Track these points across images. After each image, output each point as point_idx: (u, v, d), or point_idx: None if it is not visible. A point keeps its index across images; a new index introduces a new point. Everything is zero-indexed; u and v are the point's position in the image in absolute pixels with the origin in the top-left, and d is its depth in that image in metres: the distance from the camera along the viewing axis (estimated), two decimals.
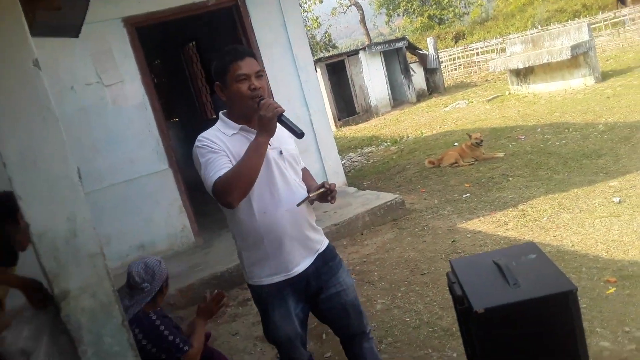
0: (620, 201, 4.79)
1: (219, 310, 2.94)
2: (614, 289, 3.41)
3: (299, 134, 2.05)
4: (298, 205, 2.15)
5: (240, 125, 2.21)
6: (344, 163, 10.04)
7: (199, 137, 2.18)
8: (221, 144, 2.14)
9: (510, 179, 6.34)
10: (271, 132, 2.05)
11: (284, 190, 2.21)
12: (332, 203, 2.22)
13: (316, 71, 16.51)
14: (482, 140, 7.57)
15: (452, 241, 4.84)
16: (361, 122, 16.11)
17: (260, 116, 2.03)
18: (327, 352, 3.46)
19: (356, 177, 8.59)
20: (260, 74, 2.18)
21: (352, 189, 6.89)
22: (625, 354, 2.75)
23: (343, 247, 5.37)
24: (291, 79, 6.67)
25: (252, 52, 2.24)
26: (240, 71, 2.13)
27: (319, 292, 2.35)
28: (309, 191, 2.25)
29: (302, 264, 2.29)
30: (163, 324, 2.64)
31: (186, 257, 5.82)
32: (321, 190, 2.15)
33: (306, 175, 2.43)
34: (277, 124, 2.05)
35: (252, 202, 2.17)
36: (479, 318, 1.83)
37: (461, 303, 1.96)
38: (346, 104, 16.99)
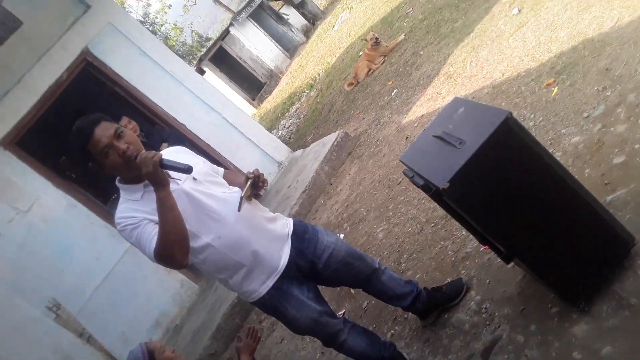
0: (519, 10, 4.84)
1: (258, 341, 2.93)
2: (556, 87, 3.48)
3: (185, 170, 1.95)
4: (239, 210, 2.10)
5: (142, 184, 2.11)
6: (281, 134, 9.97)
7: (116, 220, 2.08)
8: (137, 214, 2.05)
9: (421, 52, 6.36)
10: (163, 182, 1.96)
11: (221, 208, 2.15)
12: (265, 186, 2.19)
13: (204, 72, 16.30)
14: (377, 37, 7.54)
15: (406, 138, 4.87)
16: (274, 89, 15.95)
17: (144, 175, 1.94)
18: (362, 302, 3.49)
19: (298, 140, 8.54)
20: (120, 131, 2.04)
21: (299, 152, 6.85)
22: (597, 135, 2.81)
23: (322, 205, 5.38)
24: (181, 94, 6.51)
25: (97, 117, 2.06)
26: (99, 146, 2.00)
27: (313, 265, 2.33)
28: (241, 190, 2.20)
29: (283, 255, 2.27)
30: None
31: (200, 305, 5.77)
32: (248, 183, 2.11)
33: (231, 177, 2.38)
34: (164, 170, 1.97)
35: (202, 239, 2.12)
36: (450, 192, 1.84)
37: (428, 189, 1.96)
38: (250, 82, 16.80)
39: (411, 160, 2.15)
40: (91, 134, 2.00)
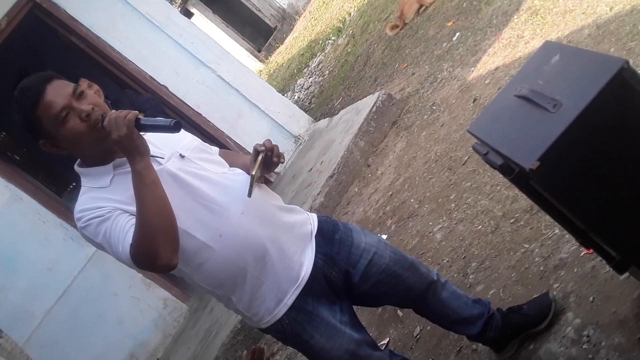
0: None
1: None
2: None
3: (171, 127, 1.95)
4: (249, 195, 2.09)
5: (110, 164, 2.12)
6: (297, 97, 9.97)
7: (76, 215, 2.08)
8: (105, 203, 2.05)
9: None
10: (141, 150, 1.96)
11: (220, 194, 2.14)
12: (282, 162, 2.17)
13: (191, 14, 16.37)
14: None
15: (474, 101, 4.83)
16: (287, 36, 15.94)
17: (115, 141, 1.95)
18: (414, 329, 3.48)
19: (322, 105, 8.54)
20: (80, 90, 2.05)
21: (323, 122, 6.85)
22: None
23: (356, 195, 5.38)
24: (161, 44, 6.57)
25: (47, 75, 2.08)
26: (54, 109, 2.00)
27: (347, 277, 2.32)
28: (248, 171, 2.19)
29: (305, 260, 2.26)
30: None
31: (191, 332, 5.84)
32: (259, 158, 2.09)
33: (230, 158, 2.38)
34: (142, 134, 1.97)
35: (195, 238, 2.12)
36: (540, 174, 1.80)
37: (509, 171, 1.93)
38: (254, 27, 16.81)
39: (484, 131, 2.11)
40: (42, 95, 2.00)
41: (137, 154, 1.96)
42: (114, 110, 2.00)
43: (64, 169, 10.48)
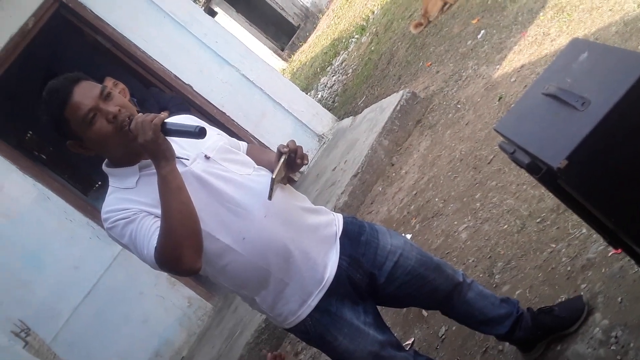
0: None
1: None
2: None
3: (197, 133, 1.96)
4: (270, 198, 2.09)
5: (136, 165, 2.14)
6: (321, 96, 9.99)
7: (103, 216, 2.11)
8: (131, 205, 2.07)
9: None
10: (167, 155, 1.98)
11: (245, 197, 2.15)
12: (305, 164, 2.17)
13: (215, 13, 16.44)
14: None
15: (499, 99, 4.80)
16: (310, 34, 15.95)
17: (141, 145, 1.95)
18: (439, 329, 3.47)
19: (345, 104, 8.55)
20: (107, 91, 2.07)
21: (347, 121, 6.85)
22: None
23: (380, 195, 5.37)
24: (185, 43, 6.61)
25: (75, 76, 2.09)
26: (81, 111, 2.01)
27: (372, 279, 2.31)
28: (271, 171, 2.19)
29: (329, 262, 2.26)
30: None
31: (215, 331, 5.87)
32: (282, 159, 2.09)
33: (258, 153, 2.39)
34: (168, 138, 1.99)
35: (219, 240, 2.13)
36: (568, 173, 1.78)
37: (536, 169, 1.90)
38: (278, 26, 16.85)
39: (511, 130, 2.09)
40: (69, 97, 2.02)
41: (162, 159, 1.97)
42: (140, 114, 2.02)
43: (90, 168, 10.57)
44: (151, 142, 1.94)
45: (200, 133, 1.96)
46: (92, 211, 6.02)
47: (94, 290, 5.93)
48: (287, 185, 2.28)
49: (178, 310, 6.19)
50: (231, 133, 6.52)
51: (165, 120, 1.97)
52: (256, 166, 2.28)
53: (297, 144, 2.15)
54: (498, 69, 5.22)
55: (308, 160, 2.16)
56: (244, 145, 2.44)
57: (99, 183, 11.35)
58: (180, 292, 6.22)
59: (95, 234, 5.89)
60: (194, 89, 6.54)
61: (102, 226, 2.14)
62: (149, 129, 1.93)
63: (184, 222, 1.97)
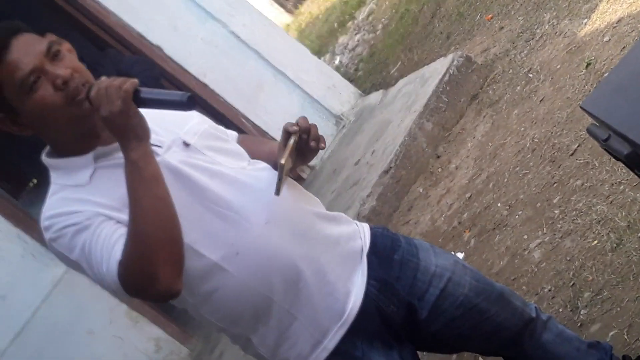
0: None
1: None
2: None
3: (184, 103, 1.91)
4: (277, 192, 2.07)
5: (90, 154, 2.10)
6: (339, 62, 10.00)
7: (43, 224, 2.04)
8: (84, 207, 2.02)
9: None
10: (139, 133, 1.94)
11: (236, 197, 2.13)
12: (322, 148, 2.15)
13: None
14: None
15: (587, 65, 4.79)
16: None
17: (104, 119, 1.92)
18: None
19: (373, 72, 8.56)
20: (55, 48, 2.04)
21: (375, 97, 6.85)
22: None
23: (421, 197, 5.38)
24: None
25: (13, 25, 2.06)
26: (21, 71, 1.97)
27: (411, 312, 2.31)
28: (276, 163, 2.18)
29: (353, 288, 2.24)
30: None
31: None
32: (291, 141, 2.05)
33: (252, 143, 2.41)
34: (140, 110, 1.94)
35: (203, 256, 2.09)
36: None
37: (637, 162, 1.92)
38: None
39: (604, 108, 2.10)
40: (5, 52, 1.98)
41: (133, 138, 1.93)
42: (104, 78, 1.97)
43: (22, 159, 10.62)
44: (119, 115, 1.89)
45: (188, 102, 1.91)
46: (25, 220, 6.05)
47: (27, 328, 5.94)
48: (296, 182, 2.28)
49: (142, 356, 6.20)
50: (215, 113, 6.52)
51: (139, 88, 1.93)
52: (251, 159, 2.27)
53: (309, 122, 2.09)
54: (586, 24, 5.20)
55: (325, 144, 2.12)
56: (233, 134, 2.42)
57: (35, 181, 11.40)
58: (145, 331, 6.22)
59: (29, 251, 5.90)
60: (165, 52, 6.53)
61: (40, 239, 2.14)
62: (117, 97, 1.88)
63: (161, 224, 1.93)
